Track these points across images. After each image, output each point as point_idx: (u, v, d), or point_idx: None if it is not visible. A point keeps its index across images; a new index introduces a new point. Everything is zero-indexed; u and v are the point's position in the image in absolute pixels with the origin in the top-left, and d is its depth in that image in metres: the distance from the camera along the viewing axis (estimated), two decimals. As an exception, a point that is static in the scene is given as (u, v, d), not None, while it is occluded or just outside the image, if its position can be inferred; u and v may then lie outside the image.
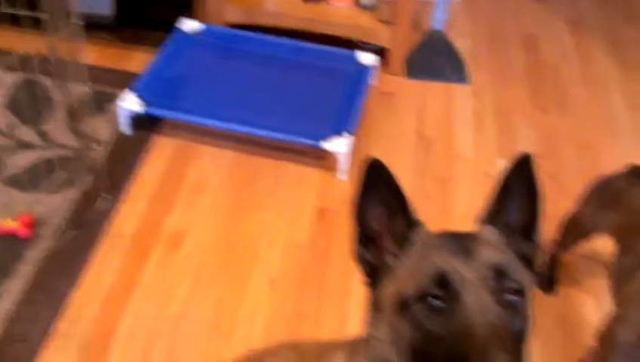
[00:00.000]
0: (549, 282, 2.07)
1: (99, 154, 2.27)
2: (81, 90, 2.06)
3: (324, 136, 2.29)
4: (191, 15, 2.81)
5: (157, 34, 2.74)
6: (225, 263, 2.04)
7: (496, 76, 2.95)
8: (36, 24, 1.88)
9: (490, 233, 0.87)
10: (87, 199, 2.13)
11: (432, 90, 2.83)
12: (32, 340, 1.78)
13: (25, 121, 2.39)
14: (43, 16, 1.80)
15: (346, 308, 1.92)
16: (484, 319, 0.75)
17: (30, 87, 2.51)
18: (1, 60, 2.03)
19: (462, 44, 3.05)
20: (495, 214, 0.88)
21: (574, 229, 1.94)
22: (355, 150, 2.36)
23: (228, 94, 2.54)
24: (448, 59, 2.93)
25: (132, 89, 2.41)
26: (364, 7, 2.85)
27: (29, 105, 2.40)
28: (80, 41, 1.88)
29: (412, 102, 2.77)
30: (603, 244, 1.88)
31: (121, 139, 2.40)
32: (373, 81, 2.73)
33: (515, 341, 0.77)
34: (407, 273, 0.83)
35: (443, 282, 0.78)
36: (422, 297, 0.78)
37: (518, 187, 0.87)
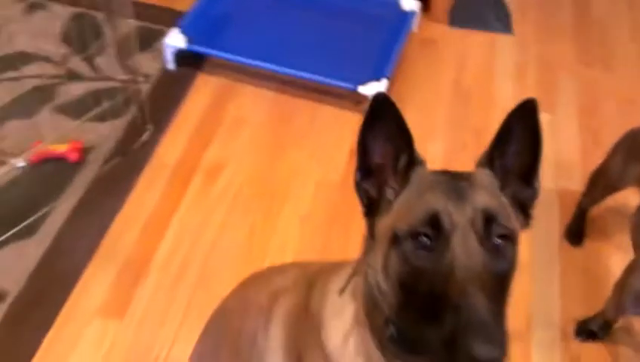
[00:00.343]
0: (576, 235, 2.09)
1: (145, 87, 2.36)
2: (128, 25, 2.14)
3: (362, 80, 2.32)
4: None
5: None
6: (259, 196, 2.13)
7: (541, 28, 2.90)
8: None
9: (486, 176, 0.88)
10: (133, 129, 2.24)
11: (475, 40, 2.81)
12: (77, 256, 1.92)
13: (77, 52, 2.50)
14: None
15: (372, 245, 1.99)
16: (468, 262, 0.77)
17: (82, 21, 2.62)
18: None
19: (509, -7, 3.00)
20: (494, 157, 0.88)
21: (603, 182, 1.95)
22: (392, 96, 2.37)
23: (270, 35, 2.58)
24: (493, 9, 2.89)
25: (178, 26, 2.48)
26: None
27: (81, 38, 2.51)
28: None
29: (453, 51, 2.76)
30: (633, 198, 1.89)
31: (166, 74, 2.48)
32: (415, 27, 2.73)
33: (498, 284, 0.79)
34: (402, 209, 0.85)
35: (434, 223, 0.80)
36: (413, 234, 0.81)
37: (520, 131, 0.86)
